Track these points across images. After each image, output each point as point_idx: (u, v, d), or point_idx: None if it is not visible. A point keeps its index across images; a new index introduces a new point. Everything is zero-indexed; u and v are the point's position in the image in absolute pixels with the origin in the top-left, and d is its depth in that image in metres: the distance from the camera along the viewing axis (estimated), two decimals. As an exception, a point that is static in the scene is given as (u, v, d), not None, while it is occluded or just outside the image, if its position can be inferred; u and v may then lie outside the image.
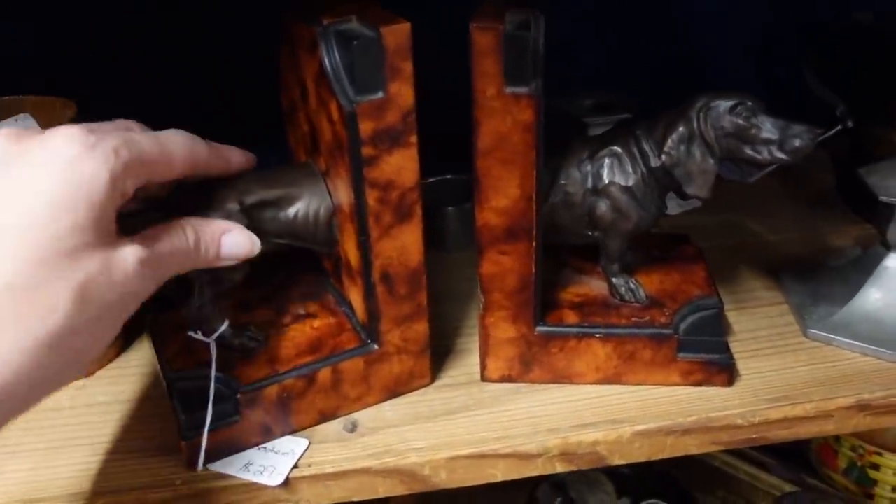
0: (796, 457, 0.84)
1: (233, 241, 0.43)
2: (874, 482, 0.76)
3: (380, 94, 0.42)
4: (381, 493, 0.48)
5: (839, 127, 0.72)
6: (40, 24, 0.67)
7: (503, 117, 0.43)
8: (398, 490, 0.48)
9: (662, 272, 0.55)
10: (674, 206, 0.72)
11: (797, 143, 0.44)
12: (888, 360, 0.52)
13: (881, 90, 0.65)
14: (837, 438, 0.77)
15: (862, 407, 0.50)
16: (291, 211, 0.48)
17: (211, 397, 0.46)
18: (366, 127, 0.42)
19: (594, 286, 0.54)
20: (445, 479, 0.48)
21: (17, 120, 0.54)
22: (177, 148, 0.40)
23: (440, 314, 0.57)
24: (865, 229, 0.65)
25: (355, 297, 0.50)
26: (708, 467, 0.86)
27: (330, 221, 0.48)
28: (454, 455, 0.47)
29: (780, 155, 0.45)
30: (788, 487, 0.81)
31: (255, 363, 0.48)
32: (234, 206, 0.46)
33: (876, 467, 0.75)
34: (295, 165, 0.51)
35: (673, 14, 0.79)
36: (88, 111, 0.51)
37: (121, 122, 0.41)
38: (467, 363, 0.54)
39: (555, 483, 0.85)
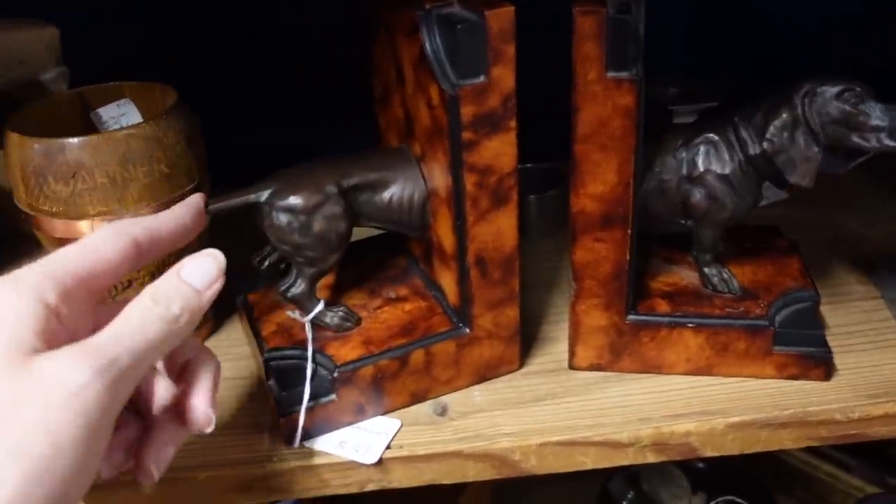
0: (878, 457, 0.81)
1: (207, 274, 0.36)
2: (966, 487, 0.73)
3: (481, 79, 0.42)
4: (471, 476, 0.48)
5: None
6: (145, 14, 0.69)
7: (604, 102, 0.43)
8: (487, 475, 0.48)
9: (755, 264, 0.54)
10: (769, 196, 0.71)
11: (909, 130, 0.43)
12: None
13: None
14: (927, 440, 0.74)
15: (968, 405, 0.48)
16: (386, 195, 0.49)
17: (308, 375, 0.47)
18: (467, 111, 0.42)
19: (685, 276, 0.53)
20: (535, 465, 0.48)
21: (118, 105, 0.56)
22: (107, 251, 0.34)
23: (524, 301, 0.57)
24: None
25: (447, 280, 0.50)
26: (786, 466, 0.84)
27: (424, 206, 0.49)
28: (545, 441, 0.47)
29: (890, 143, 0.43)
30: (870, 489, 0.79)
31: (350, 344, 0.49)
32: (332, 188, 0.46)
33: (968, 471, 0.72)
34: (389, 150, 0.51)
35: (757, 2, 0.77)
36: (188, 98, 0.53)
37: None
38: (553, 350, 0.54)
39: (628, 475, 0.85)
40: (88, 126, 0.55)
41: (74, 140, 0.46)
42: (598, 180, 0.45)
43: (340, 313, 0.50)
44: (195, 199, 0.41)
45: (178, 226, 0.39)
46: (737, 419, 0.48)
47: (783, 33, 0.78)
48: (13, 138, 0.47)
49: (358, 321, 0.50)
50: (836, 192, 0.68)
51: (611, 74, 0.42)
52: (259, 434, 0.49)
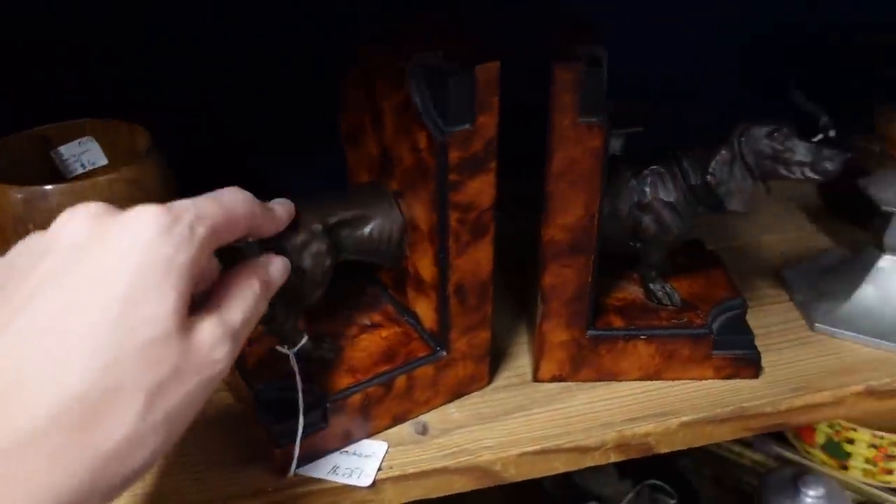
0: (775, 435, 0.91)
1: (279, 270, 0.42)
2: (848, 455, 0.84)
3: (467, 126, 0.45)
4: (457, 489, 0.52)
5: (821, 136, 0.80)
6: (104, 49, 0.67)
7: (576, 145, 0.47)
8: (471, 486, 0.52)
9: (689, 277, 0.60)
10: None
11: (828, 165, 0.50)
12: (888, 350, 0.59)
13: (862, 103, 0.72)
14: (815, 417, 0.85)
15: (870, 392, 0.57)
16: (367, 230, 0.51)
17: (301, 407, 0.48)
18: (454, 155, 0.45)
19: (632, 291, 0.59)
20: (514, 474, 0.52)
21: (80, 143, 0.55)
22: (241, 211, 0.38)
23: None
24: (851, 232, 0.72)
25: (423, 307, 0.53)
26: (697, 448, 0.93)
27: (401, 239, 0.52)
28: (522, 451, 0.52)
29: (812, 175, 0.51)
30: (771, 463, 0.89)
31: (336, 373, 0.51)
32: (318, 226, 0.48)
33: (851, 441, 0.83)
34: (365, 186, 0.54)
35: (658, 34, 0.84)
36: (154, 134, 0.53)
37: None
38: (516, 365, 0.59)
39: (558, 468, 0.91)
40: (48, 166, 0.54)
41: (56, 186, 0.45)
42: (568, 213, 0.50)
43: (325, 345, 0.52)
44: (289, 208, 0.45)
45: (272, 225, 0.43)
46: (687, 418, 0.54)
47: (685, 63, 0.85)
48: (-14, 184, 0.46)
49: (339, 350, 0.53)
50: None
51: (583, 120, 0.47)
52: (249, 467, 0.50)
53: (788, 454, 0.89)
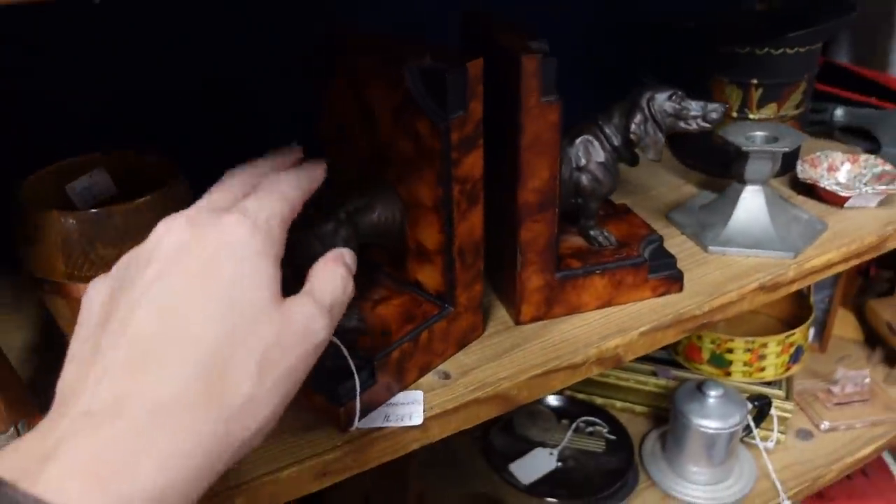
0: (669, 362, 1.09)
1: (351, 257, 0.48)
2: (730, 363, 1.03)
3: (462, 112, 0.56)
4: (482, 417, 0.62)
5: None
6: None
7: (540, 120, 0.60)
8: (495, 412, 0.62)
9: (614, 224, 0.75)
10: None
11: (714, 115, 0.66)
12: (764, 256, 0.77)
13: (699, 78, 0.91)
14: (700, 337, 1.03)
15: (762, 288, 0.74)
16: (375, 215, 0.60)
17: (354, 369, 0.57)
18: (454, 137, 0.56)
19: (576, 241, 0.72)
20: (527, 395, 0.63)
21: (90, 176, 0.59)
22: (297, 194, 0.45)
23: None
24: (700, 175, 0.91)
25: (427, 274, 0.63)
26: (611, 385, 1.09)
27: (403, 221, 0.61)
28: (530, 376, 0.63)
29: (704, 124, 0.67)
30: (673, 384, 1.06)
31: (371, 338, 0.60)
32: (342, 214, 0.57)
33: (730, 351, 1.02)
34: (366, 178, 0.63)
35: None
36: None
37: (254, 172, 0.46)
38: (497, 315, 0.70)
39: (503, 425, 1.03)
40: (65, 202, 0.58)
41: (119, 207, 0.51)
42: (536, 178, 0.62)
43: (355, 317, 0.60)
44: (320, 164, 0.49)
45: (316, 185, 0.48)
46: (643, 329, 0.68)
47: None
48: (54, 215, 0.50)
49: (364, 319, 0.61)
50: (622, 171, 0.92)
51: (544, 99, 0.59)
52: (316, 430, 0.57)
53: (685, 374, 1.06)
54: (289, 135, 0.71)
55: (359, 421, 0.57)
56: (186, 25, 0.74)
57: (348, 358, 0.56)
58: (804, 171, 0.88)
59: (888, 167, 0.87)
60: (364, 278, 0.66)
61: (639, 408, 1.10)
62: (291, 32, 0.78)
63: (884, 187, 0.83)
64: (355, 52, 0.60)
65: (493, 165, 0.63)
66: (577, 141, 0.68)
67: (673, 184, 0.93)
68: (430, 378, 0.62)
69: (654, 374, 1.07)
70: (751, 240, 0.78)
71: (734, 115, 0.89)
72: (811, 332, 1.21)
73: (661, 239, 0.72)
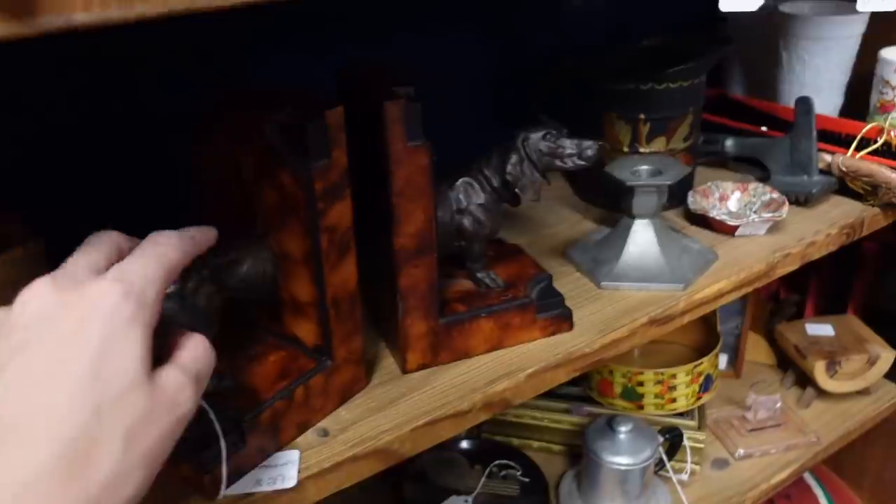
0: (584, 398, 1.08)
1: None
2: (642, 395, 1.03)
3: (325, 160, 0.55)
4: (366, 474, 0.60)
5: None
6: None
7: (409, 165, 0.59)
8: (378, 468, 0.60)
9: (503, 265, 0.74)
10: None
11: (589, 152, 0.66)
12: (654, 290, 0.77)
13: (592, 115, 0.92)
14: (612, 371, 1.03)
15: (653, 321, 0.74)
16: (244, 269, 0.58)
17: (220, 433, 0.54)
18: (318, 186, 0.55)
19: (463, 283, 0.71)
20: (410, 448, 0.61)
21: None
22: (176, 257, 0.44)
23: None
24: (600, 211, 0.91)
25: (303, 327, 0.61)
26: (526, 426, 1.07)
27: (274, 273, 0.60)
28: (414, 427, 0.61)
29: (580, 162, 0.67)
30: (586, 421, 1.05)
31: (241, 399, 0.57)
32: (205, 271, 0.55)
33: (641, 384, 1.02)
34: (236, 232, 0.61)
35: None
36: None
37: (116, 241, 0.44)
38: (384, 365, 0.68)
39: (415, 474, 1.00)
40: None
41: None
42: (411, 223, 0.61)
43: (225, 378, 0.58)
44: (208, 232, 0.50)
45: (198, 251, 0.48)
46: (530, 370, 0.67)
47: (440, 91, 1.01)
48: None
49: (235, 379, 0.59)
50: (522, 208, 0.92)
51: (411, 144, 0.58)
52: (180, 500, 0.54)
53: (599, 410, 1.06)
54: (166, 192, 0.69)
55: (226, 487, 0.54)
56: (58, 79, 0.71)
57: (214, 421, 0.54)
58: (695, 201, 0.89)
59: (775, 195, 0.89)
60: (242, 334, 0.64)
61: (556, 447, 1.09)
62: (172, 90, 0.76)
63: (770, 215, 0.85)
64: (225, 107, 0.59)
65: (371, 212, 0.62)
66: (458, 183, 0.67)
67: (572, 220, 0.93)
68: (309, 436, 0.60)
69: (567, 411, 1.06)
70: (642, 273, 0.78)
71: (625, 149, 0.90)
72: (724, 358, 1.23)
73: (549, 278, 0.72)
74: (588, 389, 1.07)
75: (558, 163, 0.67)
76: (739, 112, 1.07)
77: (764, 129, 1.02)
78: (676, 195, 0.91)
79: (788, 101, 1.11)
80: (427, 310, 0.65)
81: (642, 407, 1.04)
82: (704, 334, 1.12)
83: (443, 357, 0.67)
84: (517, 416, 1.08)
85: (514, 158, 0.66)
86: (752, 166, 1.01)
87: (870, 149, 0.93)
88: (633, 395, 1.03)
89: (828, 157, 0.92)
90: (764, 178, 0.98)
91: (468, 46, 0.96)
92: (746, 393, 1.19)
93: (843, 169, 0.91)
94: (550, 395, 1.08)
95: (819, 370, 1.11)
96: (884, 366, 1.12)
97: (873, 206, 0.92)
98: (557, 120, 0.99)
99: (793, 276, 1.27)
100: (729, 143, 1.00)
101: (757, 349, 1.25)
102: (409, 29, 0.90)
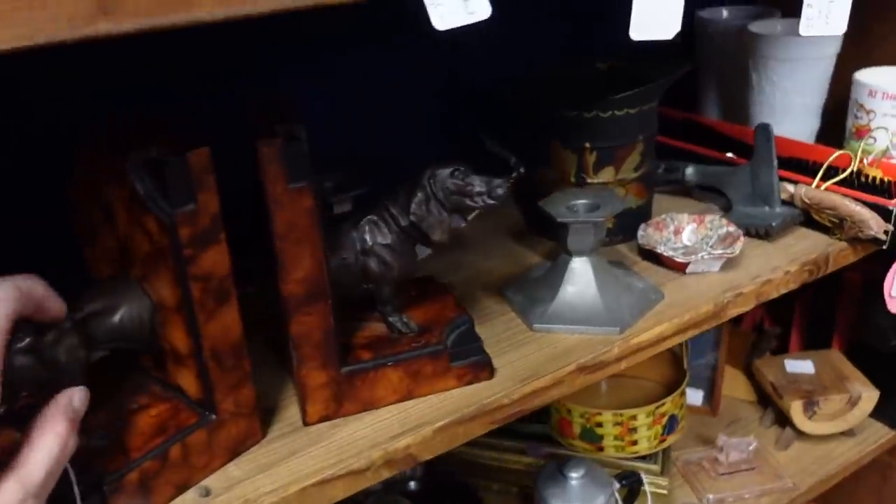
0: (542, 437, 1.03)
1: (81, 399, 0.46)
2: (601, 437, 0.97)
3: (191, 205, 0.51)
4: (246, 538, 0.56)
5: (515, 174, 0.95)
6: None
7: (291, 207, 0.55)
8: (260, 531, 0.56)
9: (424, 306, 0.70)
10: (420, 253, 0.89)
11: (499, 191, 0.62)
12: (590, 334, 0.72)
13: (538, 144, 0.87)
14: (570, 411, 0.98)
15: (581, 369, 0.69)
16: (116, 318, 0.55)
17: (78, 496, 0.50)
18: (184, 233, 0.51)
19: (376, 328, 0.67)
20: (298, 510, 0.57)
21: None
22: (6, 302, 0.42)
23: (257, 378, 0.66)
24: (550, 245, 0.87)
25: (185, 378, 0.57)
26: (481, 465, 1.02)
27: (152, 321, 0.56)
28: (301, 487, 0.57)
29: (490, 201, 0.62)
30: (543, 462, 1.00)
31: (111, 458, 0.53)
32: (68, 322, 0.51)
33: (600, 425, 0.97)
34: (111, 278, 0.57)
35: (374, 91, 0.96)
36: None
37: None
38: (288, 415, 0.64)
39: (360, 519, 0.96)
40: None
41: None
42: (299, 268, 0.57)
43: (95, 436, 0.54)
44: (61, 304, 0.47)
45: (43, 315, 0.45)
46: (439, 424, 0.62)
47: (393, 117, 0.97)
48: None
49: (109, 438, 0.55)
50: (464, 240, 0.88)
51: (292, 186, 0.55)
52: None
53: (556, 451, 1.00)
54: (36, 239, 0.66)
55: (83, 558, 0.50)
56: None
57: (74, 484, 0.50)
58: (646, 235, 0.84)
59: (732, 228, 0.84)
60: (125, 386, 0.60)
61: (514, 488, 1.04)
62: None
63: (720, 251, 0.79)
64: (96, 142, 0.56)
65: (268, 257, 0.58)
66: (363, 222, 0.63)
67: (518, 254, 0.88)
68: (188, 496, 0.56)
69: (523, 452, 1.01)
70: (577, 315, 0.73)
71: (572, 179, 0.86)
72: (699, 394, 1.17)
73: (469, 322, 0.67)
74: (549, 428, 1.02)
75: (468, 201, 0.63)
76: (706, 137, 1.02)
77: (730, 155, 0.97)
78: (631, 227, 0.86)
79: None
80: (325, 359, 0.61)
81: (602, 449, 0.98)
82: (674, 369, 1.07)
83: (347, 408, 0.63)
84: (472, 455, 1.03)
85: (419, 196, 0.62)
86: (719, 195, 0.96)
87: (836, 179, 0.87)
88: (592, 437, 0.98)
89: (790, 188, 0.87)
90: (728, 208, 0.92)
91: (421, 70, 0.93)
92: (724, 431, 1.13)
93: (806, 200, 0.85)
94: (510, 433, 1.04)
95: (796, 411, 1.05)
96: (866, 406, 1.05)
97: (840, 240, 0.86)
98: (508, 147, 0.95)
99: (777, 307, 1.21)
100: (689, 171, 0.94)
101: (736, 384, 1.19)
102: (353, 51, 0.87)
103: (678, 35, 1.20)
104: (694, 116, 1.07)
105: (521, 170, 0.91)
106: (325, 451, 0.60)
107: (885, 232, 0.82)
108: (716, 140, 1.01)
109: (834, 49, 1.00)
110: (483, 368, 0.66)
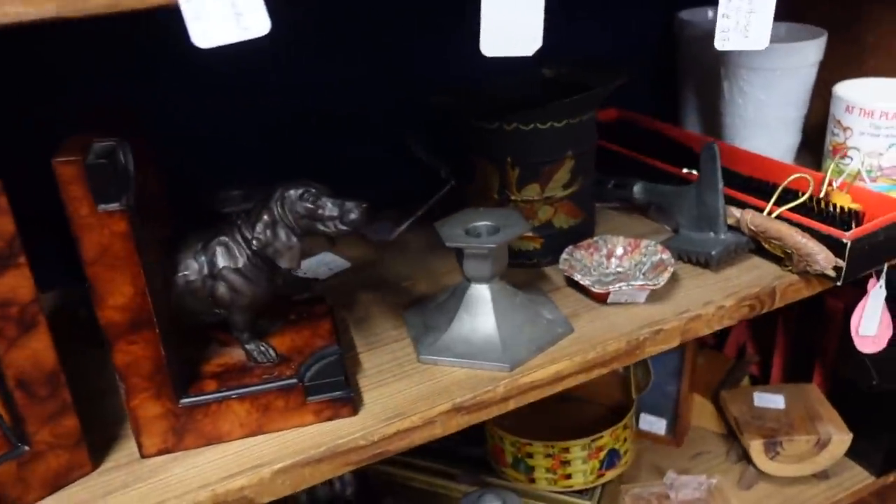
0: (480, 463, 0.98)
1: None
2: (532, 468, 0.91)
3: (-22, 228, 0.48)
4: (48, 580, 0.52)
5: (448, 186, 0.89)
6: None
7: (101, 231, 0.51)
8: (64, 573, 0.53)
9: (295, 332, 0.65)
10: (325, 271, 0.84)
11: (353, 216, 0.57)
12: (477, 369, 0.66)
13: (463, 157, 0.81)
14: (502, 438, 0.92)
15: (457, 409, 0.63)
16: (-80, 340, 0.52)
17: None
18: (-29, 258, 0.48)
19: (235, 355, 0.63)
20: (109, 553, 0.53)
21: None
22: None
23: (94, 407, 0.63)
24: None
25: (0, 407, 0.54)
26: (412, 489, 0.97)
27: (-38, 344, 0.53)
28: (112, 530, 0.53)
29: (343, 227, 0.57)
30: (474, 489, 0.95)
31: None
32: None
33: (531, 455, 0.90)
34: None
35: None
36: None
37: None
38: (129, 445, 0.60)
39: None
40: None
41: None
42: (117, 294, 0.53)
43: None
44: None
45: None
46: (281, 465, 0.57)
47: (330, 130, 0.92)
48: None
49: (-87, 464, 0.52)
50: (381, 255, 0.83)
51: (102, 208, 0.50)
52: None
53: (490, 479, 0.95)
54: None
55: None
56: None
57: None
58: (570, 259, 0.77)
59: (665, 255, 0.76)
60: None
61: (444, 514, 0.99)
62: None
63: (641, 282, 0.72)
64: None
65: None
66: (212, 243, 0.59)
67: (437, 273, 0.82)
68: (-6, 531, 0.53)
69: (455, 477, 0.96)
70: (468, 348, 0.67)
71: (496, 196, 0.79)
72: (663, 423, 1.09)
73: (338, 353, 0.62)
74: (486, 453, 0.97)
75: (319, 226, 0.57)
76: (672, 151, 0.94)
77: (686, 171, 0.88)
78: (562, 249, 0.79)
79: (732, 138, 0.97)
80: (158, 389, 0.57)
81: (534, 480, 0.92)
82: (625, 396, 0.99)
83: (189, 441, 0.59)
84: (407, 478, 0.98)
85: (264, 219, 0.57)
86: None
87: (790, 205, 0.78)
88: (524, 467, 0.92)
89: (737, 213, 0.78)
90: (678, 228, 0.85)
91: (370, 80, 0.88)
92: (687, 464, 1.06)
93: (752, 228, 0.77)
94: (450, 457, 0.99)
95: (756, 450, 0.96)
96: (837, 450, 0.96)
97: (792, 272, 0.77)
98: (441, 160, 0.89)
99: (762, 331, 1.12)
100: (637, 188, 0.87)
101: (705, 413, 1.10)
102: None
103: (655, 36, 1.12)
104: (663, 127, 0.99)
105: (453, 182, 0.85)
106: (152, 487, 0.56)
107: (836, 268, 0.73)
108: (681, 154, 0.93)
109: (815, 57, 0.91)
110: (344, 405, 0.61)
